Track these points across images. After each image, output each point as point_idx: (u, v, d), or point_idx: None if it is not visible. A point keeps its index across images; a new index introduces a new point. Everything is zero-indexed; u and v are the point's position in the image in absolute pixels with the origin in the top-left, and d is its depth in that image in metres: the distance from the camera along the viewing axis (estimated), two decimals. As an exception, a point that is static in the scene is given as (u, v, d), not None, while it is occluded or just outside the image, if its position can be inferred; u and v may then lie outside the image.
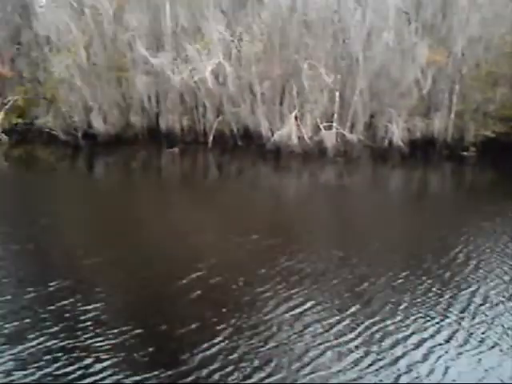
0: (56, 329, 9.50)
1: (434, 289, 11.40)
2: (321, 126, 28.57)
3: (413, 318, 10.10)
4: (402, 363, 8.70)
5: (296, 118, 28.44)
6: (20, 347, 8.94)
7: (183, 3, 30.65)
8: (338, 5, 27.98)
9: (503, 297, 11.14)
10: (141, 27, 30.33)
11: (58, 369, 8.41)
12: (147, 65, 30.38)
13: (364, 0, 27.64)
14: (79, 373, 8.32)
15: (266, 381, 8.24)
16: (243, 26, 28.96)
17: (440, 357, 8.89)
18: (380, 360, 8.77)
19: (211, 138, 30.69)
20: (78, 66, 30.36)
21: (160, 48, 30.89)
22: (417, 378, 8.36)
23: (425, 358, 8.86)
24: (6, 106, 32.96)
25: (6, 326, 9.60)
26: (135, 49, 30.29)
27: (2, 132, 32.44)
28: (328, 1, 27.89)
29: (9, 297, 10.75)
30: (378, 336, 9.43)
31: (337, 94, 28.64)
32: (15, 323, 9.69)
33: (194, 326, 9.61)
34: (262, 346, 9.07)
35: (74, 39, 30.38)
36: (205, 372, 8.38)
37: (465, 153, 30.44)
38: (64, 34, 30.71)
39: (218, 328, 9.55)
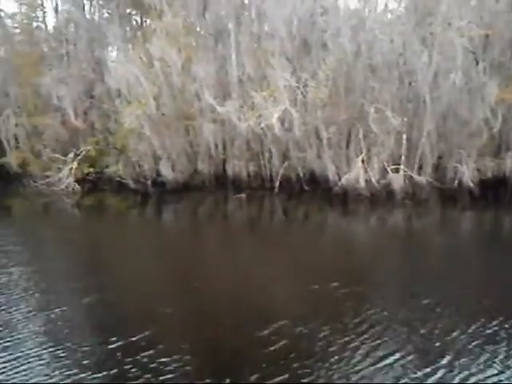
0: (141, 381, 9.42)
1: (531, 339, 10.77)
2: (388, 169, 28.18)
3: (512, 370, 9.53)
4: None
5: (363, 161, 28.15)
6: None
7: (249, 52, 31.24)
8: (403, 48, 27.83)
9: None
10: (208, 77, 31.00)
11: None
12: (214, 113, 30.95)
13: (430, 42, 27.43)
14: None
15: None
16: (308, 72, 29.17)
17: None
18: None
19: (278, 183, 30.69)
20: (147, 116, 31.16)
21: (227, 96, 31.49)
22: None
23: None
24: (79, 157, 34.12)
25: (92, 378, 9.60)
26: (203, 98, 30.94)
27: (75, 181, 33.43)
28: (393, 44, 27.79)
29: (92, 348, 10.81)
30: (477, 389, 8.93)
31: (404, 136, 28.28)
32: (100, 375, 9.70)
33: (283, 377, 9.38)
34: (356, 399, 8.74)
35: (143, 91, 31.26)
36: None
37: (539, 192, 29.33)
38: (134, 87, 31.66)
39: (308, 380, 9.26)
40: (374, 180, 28.02)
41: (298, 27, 30.48)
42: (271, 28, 31.28)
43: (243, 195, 30.43)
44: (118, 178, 33.32)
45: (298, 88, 29.24)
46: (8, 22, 44.26)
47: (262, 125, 28.57)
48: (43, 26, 43.17)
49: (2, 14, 43.29)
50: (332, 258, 18.38)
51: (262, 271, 16.30)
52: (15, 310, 12.97)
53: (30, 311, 12.93)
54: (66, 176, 33.51)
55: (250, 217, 28.17)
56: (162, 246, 20.64)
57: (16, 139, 37.01)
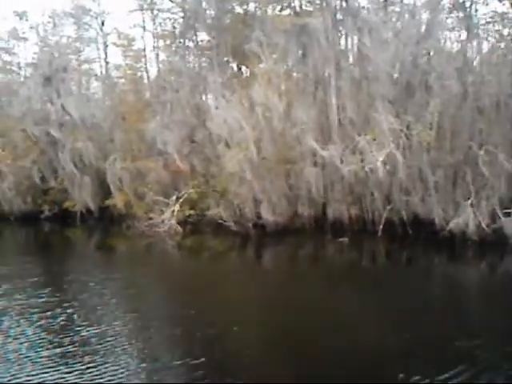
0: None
1: None
2: (499, 213, 26.96)
3: None
4: None
5: (472, 205, 27.12)
6: None
7: (349, 96, 31.29)
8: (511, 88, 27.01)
9: None
10: (309, 121, 31.16)
11: None
12: (315, 157, 31.03)
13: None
14: None
15: None
16: (412, 114, 28.74)
17: None
18: None
19: (381, 226, 30.01)
20: (248, 160, 31.54)
21: (327, 140, 31.48)
22: None
23: None
24: (181, 199, 34.92)
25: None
26: (303, 142, 31.08)
27: (177, 223, 34.17)
28: (501, 83, 27.00)
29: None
30: None
31: (515, 179, 27.14)
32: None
33: None
34: None
35: (244, 135, 31.80)
36: None
37: None
38: (235, 131, 32.28)
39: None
40: (483, 224, 26.88)
41: (400, 70, 30.28)
42: (373, 71, 31.22)
43: (345, 239, 29.94)
44: (218, 220, 33.60)
45: (402, 131, 28.82)
46: (113, 72, 46.93)
47: (366, 168, 28.25)
48: (145, 74, 45.43)
49: (110, 65, 46.09)
50: (442, 307, 17.61)
51: (370, 321, 15.72)
52: (131, 357, 13.19)
53: (143, 361, 13.08)
54: (168, 218, 34.34)
55: (353, 261, 27.66)
56: (265, 290, 20.54)
57: (121, 182, 38.35)
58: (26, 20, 49.59)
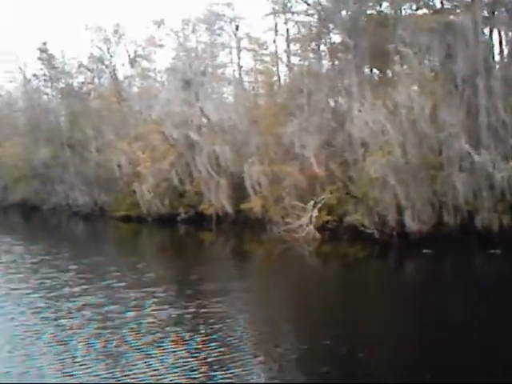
0: None
1: None
2: None
3: None
4: None
5: None
6: None
7: (501, 96, 29.91)
8: None
9: None
10: (456, 124, 30.15)
11: None
12: (463, 162, 29.95)
13: None
14: None
15: None
16: None
17: None
18: None
19: (538, 238, 28.38)
20: (392, 164, 30.97)
21: (475, 144, 30.29)
22: None
23: None
24: (319, 205, 34.99)
25: None
26: (451, 146, 30.12)
27: (316, 230, 34.30)
28: None
29: None
30: None
31: None
32: None
33: None
34: None
35: (388, 139, 31.34)
36: None
37: None
38: (377, 134, 31.88)
39: None
40: None
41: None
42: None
43: (497, 250, 28.50)
44: (361, 228, 33.02)
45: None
46: (246, 77, 48.32)
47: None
48: (277, 78, 46.21)
49: (243, 70, 47.49)
50: None
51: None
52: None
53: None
54: (306, 223, 34.54)
55: (502, 278, 26.03)
56: (410, 308, 20.37)
57: (259, 185, 38.99)
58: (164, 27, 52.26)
